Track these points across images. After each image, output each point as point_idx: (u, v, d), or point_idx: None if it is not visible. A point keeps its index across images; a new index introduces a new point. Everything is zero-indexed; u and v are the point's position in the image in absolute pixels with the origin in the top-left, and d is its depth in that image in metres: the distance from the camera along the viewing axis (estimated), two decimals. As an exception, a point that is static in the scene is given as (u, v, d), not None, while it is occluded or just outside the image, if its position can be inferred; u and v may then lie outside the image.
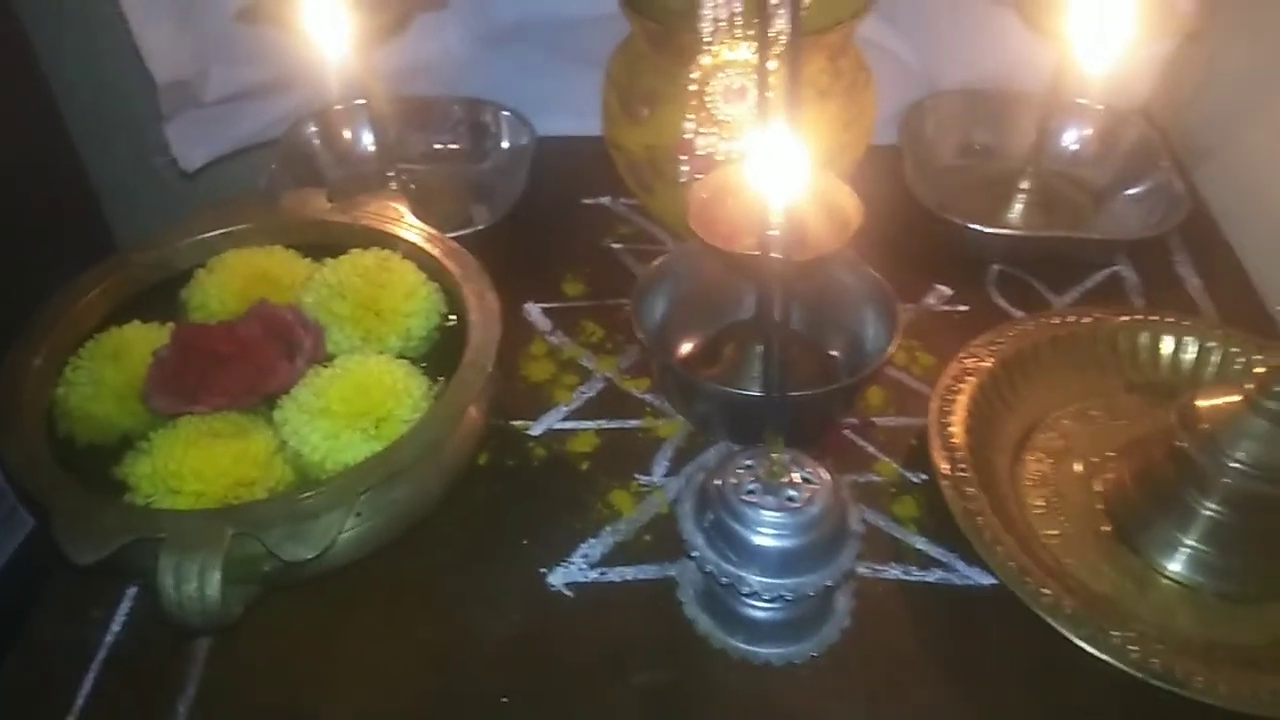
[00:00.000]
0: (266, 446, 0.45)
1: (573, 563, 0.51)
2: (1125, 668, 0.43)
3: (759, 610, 0.46)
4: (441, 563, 0.51)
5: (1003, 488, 0.53)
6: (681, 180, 0.60)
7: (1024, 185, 0.71)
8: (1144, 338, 0.59)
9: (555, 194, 0.73)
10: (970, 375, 0.56)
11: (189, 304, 0.52)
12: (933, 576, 0.51)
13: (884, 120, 0.71)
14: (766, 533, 0.42)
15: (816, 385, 0.56)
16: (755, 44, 0.54)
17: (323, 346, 0.49)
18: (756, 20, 0.52)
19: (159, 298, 0.53)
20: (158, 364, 0.47)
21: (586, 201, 0.75)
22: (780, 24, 0.50)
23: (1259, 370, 0.47)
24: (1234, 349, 0.58)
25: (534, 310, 0.66)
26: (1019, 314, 0.64)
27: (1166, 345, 0.59)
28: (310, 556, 0.40)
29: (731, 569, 0.43)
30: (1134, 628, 0.45)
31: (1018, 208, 0.71)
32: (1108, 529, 0.52)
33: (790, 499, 0.42)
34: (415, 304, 0.51)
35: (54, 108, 0.90)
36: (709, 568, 0.43)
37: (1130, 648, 0.43)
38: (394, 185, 0.70)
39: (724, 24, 0.53)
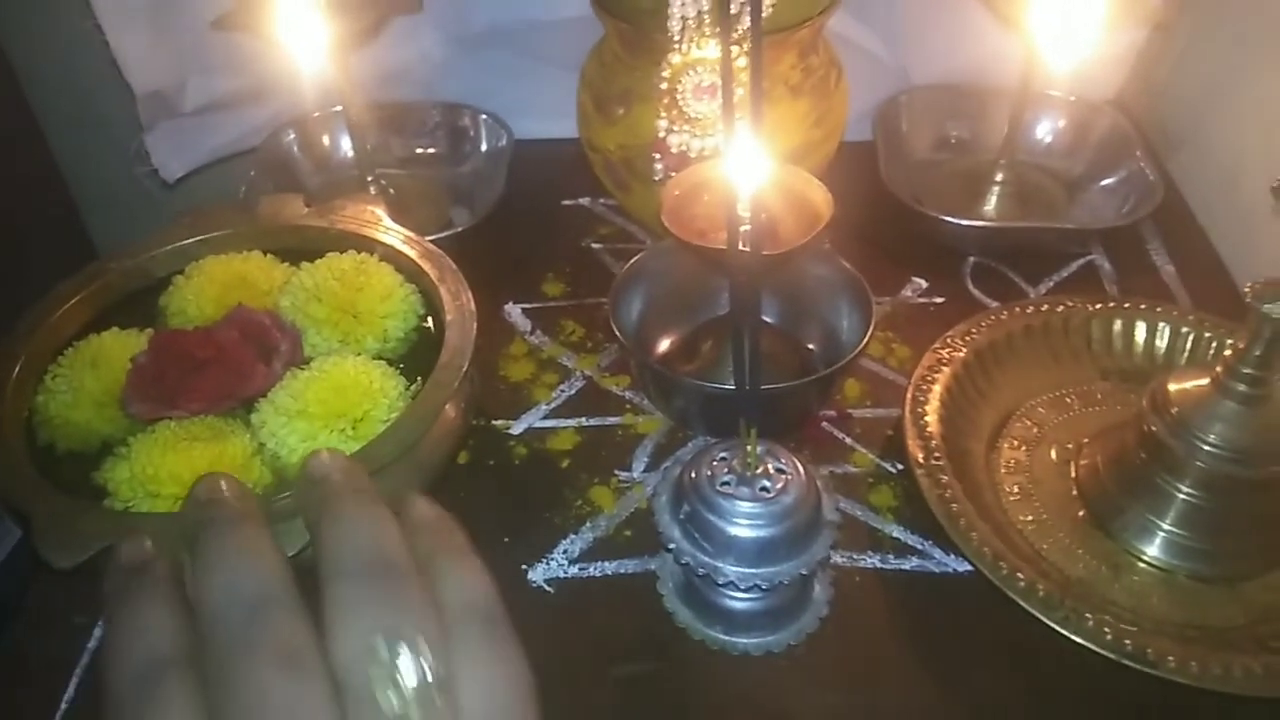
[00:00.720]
0: (244, 449, 0.45)
1: (553, 559, 0.51)
2: (1099, 649, 0.43)
3: (736, 600, 0.46)
4: (422, 561, 0.51)
5: (978, 475, 0.53)
6: (656, 179, 0.60)
7: (998, 177, 0.72)
8: (1117, 325, 0.60)
9: (534, 196, 0.74)
10: (945, 365, 0.56)
11: (167, 310, 0.52)
12: (909, 564, 0.51)
13: (858, 116, 0.71)
14: (741, 523, 0.43)
15: (792, 378, 0.56)
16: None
17: (300, 350, 0.50)
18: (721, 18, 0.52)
19: (138, 305, 0.53)
20: (136, 370, 0.47)
21: (566, 203, 0.75)
22: (745, 22, 0.50)
23: (1227, 353, 0.47)
24: (1207, 334, 0.58)
25: (514, 311, 0.66)
26: (995, 305, 0.65)
27: (1140, 332, 0.60)
28: (288, 556, 0.41)
29: (708, 560, 0.43)
30: (1108, 610, 0.45)
31: (993, 200, 0.72)
32: (1082, 514, 0.52)
33: (764, 489, 0.43)
34: (392, 306, 0.51)
35: (34, 120, 0.90)
36: (685, 559, 0.44)
37: (1105, 630, 0.44)
38: (374, 190, 0.71)
39: (692, 22, 0.53)
